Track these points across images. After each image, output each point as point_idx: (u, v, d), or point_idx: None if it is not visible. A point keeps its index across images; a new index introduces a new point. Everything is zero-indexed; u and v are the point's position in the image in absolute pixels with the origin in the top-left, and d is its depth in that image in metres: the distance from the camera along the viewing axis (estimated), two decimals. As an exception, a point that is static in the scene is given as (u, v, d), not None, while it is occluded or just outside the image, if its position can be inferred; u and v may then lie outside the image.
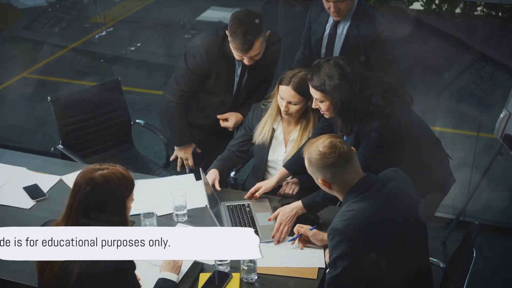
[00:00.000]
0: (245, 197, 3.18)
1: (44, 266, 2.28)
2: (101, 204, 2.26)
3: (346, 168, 2.48)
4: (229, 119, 3.64)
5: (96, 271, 2.20)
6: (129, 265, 2.28)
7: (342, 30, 3.50)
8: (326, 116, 2.97)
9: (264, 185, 3.17)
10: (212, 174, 3.26)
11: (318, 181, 2.54)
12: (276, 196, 3.25)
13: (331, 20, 3.54)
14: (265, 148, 3.34)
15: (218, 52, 3.33)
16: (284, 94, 3.16)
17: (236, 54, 3.27)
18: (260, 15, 3.25)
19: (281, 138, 3.33)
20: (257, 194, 3.16)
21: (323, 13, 3.54)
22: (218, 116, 3.65)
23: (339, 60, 2.88)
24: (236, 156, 3.43)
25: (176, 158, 3.76)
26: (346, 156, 2.47)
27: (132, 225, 2.96)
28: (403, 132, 2.94)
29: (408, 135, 2.97)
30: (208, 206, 3.03)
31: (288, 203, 3.01)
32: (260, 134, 3.33)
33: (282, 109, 3.19)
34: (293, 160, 3.19)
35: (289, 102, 3.17)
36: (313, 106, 2.97)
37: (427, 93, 5.81)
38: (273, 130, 3.33)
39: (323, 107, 2.91)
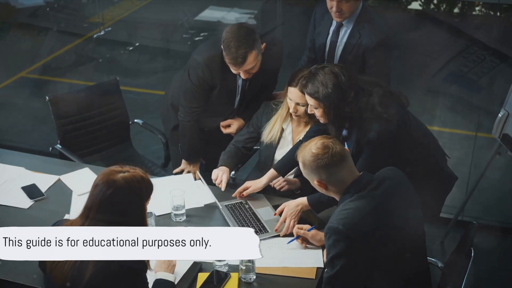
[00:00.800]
0: (233, 195, 3.18)
1: (54, 265, 2.27)
2: (121, 206, 2.27)
3: (340, 168, 2.49)
4: (232, 126, 3.66)
5: (111, 271, 2.21)
6: (143, 266, 2.29)
7: (344, 33, 3.47)
8: (322, 121, 2.98)
9: (253, 186, 3.18)
10: (224, 172, 3.28)
11: (314, 183, 2.55)
12: (275, 196, 3.25)
13: (334, 23, 3.51)
14: (273, 147, 3.36)
15: (219, 66, 3.34)
16: (292, 95, 3.18)
17: (232, 68, 3.28)
18: (253, 29, 3.24)
19: (289, 139, 3.33)
20: (244, 193, 3.16)
21: (328, 15, 3.51)
22: (221, 123, 3.67)
23: (334, 68, 2.89)
24: (242, 153, 3.45)
25: (181, 170, 3.75)
26: (340, 156, 2.48)
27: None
28: (402, 134, 2.95)
29: (406, 136, 2.99)
30: (219, 205, 3.05)
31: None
32: (269, 134, 3.35)
33: (291, 110, 3.22)
34: (283, 161, 3.21)
35: (297, 104, 3.18)
36: (309, 111, 3.00)
37: (424, 91, 5.83)
38: (282, 130, 3.34)
39: (317, 113, 2.94)
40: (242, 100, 3.60)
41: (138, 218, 2.30)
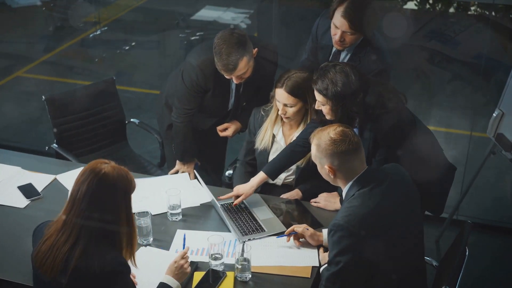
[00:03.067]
0: (223, 197, 3.12)
1: (45, 259, 2.24)
2: (107, 196, 2.23)
3: (354, 157, 2.52)
4: (228, 129, 3.69)
5: (91, 271, 2.19)
6: (124, 268, 2.26)
7: (345, 57, 3.39)
8: (328, 118, 2.99)
9: (244, 194, 3.11)
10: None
11: (324, 167, 2.55)
12: (271, 196, 3.27)
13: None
14: (267, 152, 3.36)
15: (213, 70, 3.36)
16: (279, 96, 3.18)
17: (224, 74, 3.30)
18: (245, 35, 3.26)
19: (282, 143, 3.33)
20: (236, 202, 3.10)
21: (329, 32, 3.37)
22: (218, 128, 3.69)
23: (345, 67, 2.90)
24: (252, 167, 3.46)
25: (176, 171, 3.75)
26: (356, 145, 2.52)
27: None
28: (412, 127, 3.03)
29: (414, 129, 3.05)
30: (217, 204, 3.04)
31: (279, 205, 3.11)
32: (261, 141, 3.34)
33: (280, 112, 3.20)
34: (274, 165, 3.19)
35: (285, 105, 3.18)
36: (316, 107, 3.00)
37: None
38: (274, 136, 3.34)
39: (324, 109, 2.95)
40: (236, 103, 3.61)
41: (125, 209, 2.26)
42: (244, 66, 3.23)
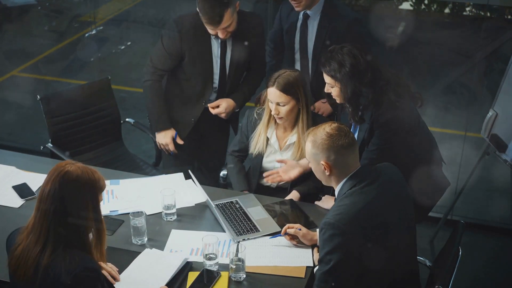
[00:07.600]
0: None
1: (18, 263, 2.21)
2: (71, 192, 2.19)
3: (350, 152, 2.53)
4: (220, 106, 3.65)
5: (57, 277, 2.14)
6: (91, 273, 2.19)
7: (313, 27, 3.57)
8: (337, 101, 3.04)
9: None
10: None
11: (320, 164, 2.55)
12: (266, 196, 3.27)
13: (301, 17, 3.61)
14: (260, 156, 3.36)
15: (189, 27, 3.43)
16: (271, 96, 3.18)
17: (209, 29, 3.36)
18: None
19: (276, 146, 3.33)
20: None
21: (293, 11, 3.61)
22: (209, 105, 3.67)
23: (353, 49, 2.95)
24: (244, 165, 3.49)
25: (159, 145, 3.75)
26: (352, 140, 2.54)
27: (120, 224, 2.99)
28: (412, 130, 3.04)
29: (415, 135, 3.07)
30: (211, 204, 3.03)
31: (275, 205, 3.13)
32: (255, 146, 3.34)
33: (273, 112, 3.20)
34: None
35: (278, 104, 3.18)
36: (325, 90, 3.05)
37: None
38: (268, 139, 3.34)
39: (333, 92, 3.00)
40: (224, 77, 3.61)
41: (92, 208, 2.23)
42: (229, 17, 3.30)
